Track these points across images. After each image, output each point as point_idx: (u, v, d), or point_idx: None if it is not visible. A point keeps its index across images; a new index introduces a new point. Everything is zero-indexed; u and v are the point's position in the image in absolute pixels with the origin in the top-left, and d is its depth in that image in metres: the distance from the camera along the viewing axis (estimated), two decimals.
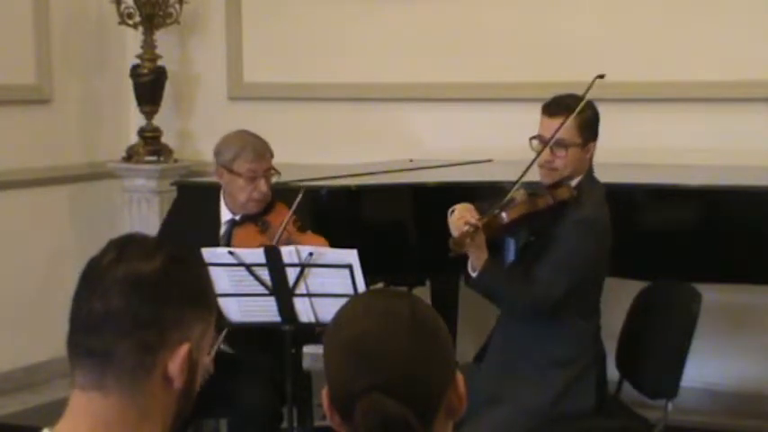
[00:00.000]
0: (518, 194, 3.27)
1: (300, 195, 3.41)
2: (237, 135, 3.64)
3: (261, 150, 3.56)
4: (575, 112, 3.24)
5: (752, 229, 3.86)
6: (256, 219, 3.57)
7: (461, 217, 3.17)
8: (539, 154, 3.27)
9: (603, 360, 3.39)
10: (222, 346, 3.43)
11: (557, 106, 3.30)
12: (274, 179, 3.60)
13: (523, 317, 3.30)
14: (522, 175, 3.26)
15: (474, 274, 3.23)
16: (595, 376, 3.31)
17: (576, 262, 3.20)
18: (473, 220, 3.15)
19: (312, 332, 3.35)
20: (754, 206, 3.88)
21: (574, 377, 3.27)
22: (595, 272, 3.29)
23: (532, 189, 3.29)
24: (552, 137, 3.24)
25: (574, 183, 3.30)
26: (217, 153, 3.61)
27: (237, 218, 3.61)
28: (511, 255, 3.60)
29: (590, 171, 3.35)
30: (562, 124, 3.23)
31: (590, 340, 3.33)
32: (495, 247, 3.36)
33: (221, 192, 3.64)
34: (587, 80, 4.86)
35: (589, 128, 3.30)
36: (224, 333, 3.36)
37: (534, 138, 3.32)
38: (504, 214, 3.21)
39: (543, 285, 3.21)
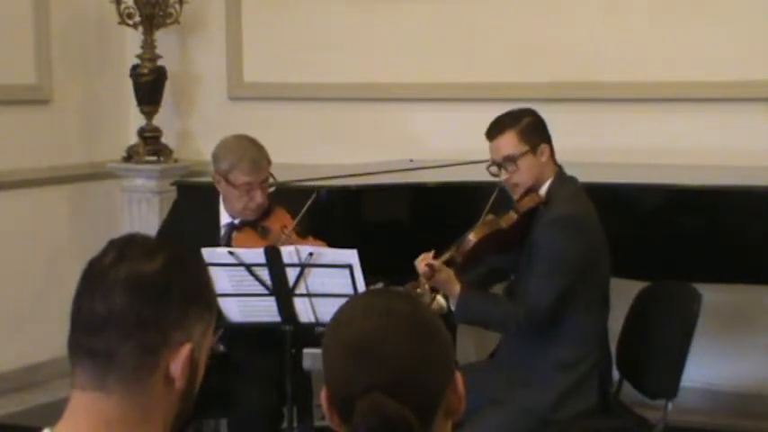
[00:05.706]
0: (486, 219, 3.31)
1: (313, 197, 3.43)
2: (235, 143, 3.59)
3: (258, 161, 3.52)
4: (510, 126, 3.27)
5: (752, 229, 3.86)
6: (255, 224, 3.56)
7: (422, 260, 3.22)
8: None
9: (609, 360, 3.38)
10: (221, 348, 3.44)
11: (493, 127, 3.33)
12: (271, 189, 3.58)
13: (521, 333, 3.28)
14: (489, 205, 3.30)
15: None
16: (599, 377, 3.29)
17: (558, 264, 3.18)
18: (430, 262, 3.18)
19: (312, 333, 3.35)
20: (754, 206, 3.88)
21: (577, 379, 3.25)
22: (589, 267, 3.24)
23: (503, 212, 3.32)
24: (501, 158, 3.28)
25: (543, 189, 3.31)
26: (214, 159, 3.58)
27: (236, 222, 3.60)
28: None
29: (559, 173, 3.34)
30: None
31: (596, 339, 3.30)
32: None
33: (220, 195, 3.63)
34: (587, 80, 4.92)
35: (532, 132, 3.29)
36: (219, 333, 3.36)
37: (490, 166, 3.35)
38: (470, 236, 3.25)
39: (530, 297, 3.20)
